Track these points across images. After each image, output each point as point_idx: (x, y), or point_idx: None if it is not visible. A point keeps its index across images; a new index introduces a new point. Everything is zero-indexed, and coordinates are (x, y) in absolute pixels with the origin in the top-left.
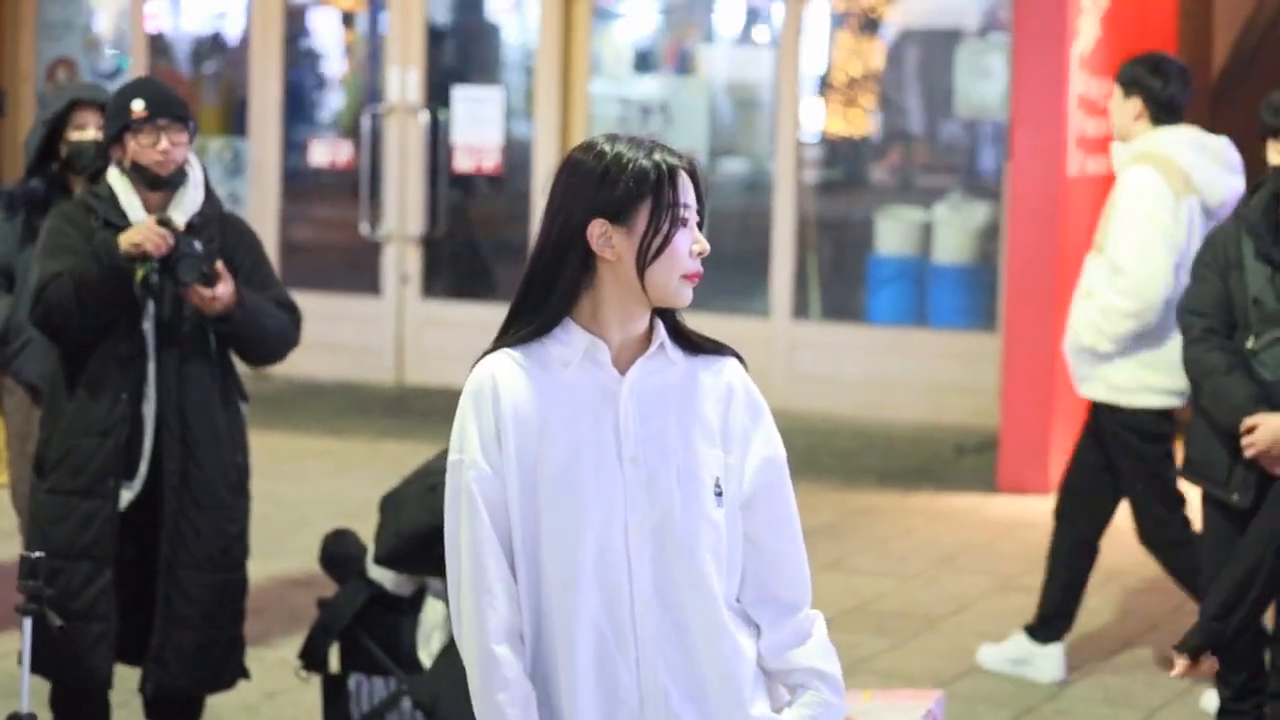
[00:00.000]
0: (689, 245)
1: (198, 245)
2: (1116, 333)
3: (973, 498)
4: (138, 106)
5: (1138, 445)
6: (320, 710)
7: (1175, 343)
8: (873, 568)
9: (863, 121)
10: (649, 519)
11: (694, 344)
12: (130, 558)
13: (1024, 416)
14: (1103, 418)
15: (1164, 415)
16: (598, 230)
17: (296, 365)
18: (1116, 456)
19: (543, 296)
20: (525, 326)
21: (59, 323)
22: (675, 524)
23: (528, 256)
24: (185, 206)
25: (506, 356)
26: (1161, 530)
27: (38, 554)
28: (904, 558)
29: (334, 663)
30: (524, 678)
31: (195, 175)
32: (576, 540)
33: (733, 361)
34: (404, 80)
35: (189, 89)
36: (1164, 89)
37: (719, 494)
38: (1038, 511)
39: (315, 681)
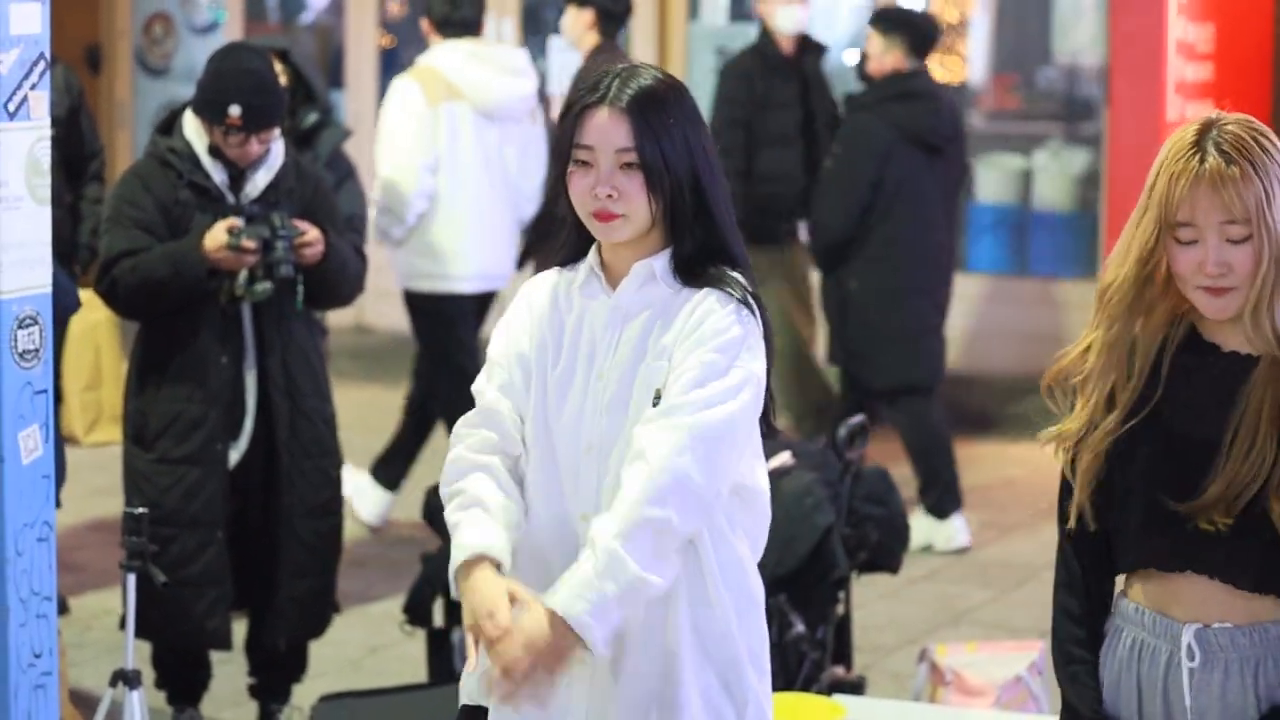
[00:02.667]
0: (587, 186)
1: (278, 224)
2: (376, 226)
3: None
4: (234, 113)
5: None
6: (424, 664)
7: (438, 232)
8: (974, 518)
9: (960, 68)
10: (599, 437)
11: (696, 276)
12: (233, 514)
13: None
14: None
15: (442, 298)
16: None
17: (394, 319)
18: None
19: (565, 227)
20: (564, 251)
21: (126, 310)
22: (622, 443)
23: None
24: (258, 181)
25: (548, 275)
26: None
27: (140, 510)
28: (1005, 508)
29: (438, 617)
30: (481, 479)
31: (274, 154)
32: (550, 447)
33: (713, 294)
34: (499, 30)
35: (282, 36)
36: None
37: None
38: None
39: (419, 635)
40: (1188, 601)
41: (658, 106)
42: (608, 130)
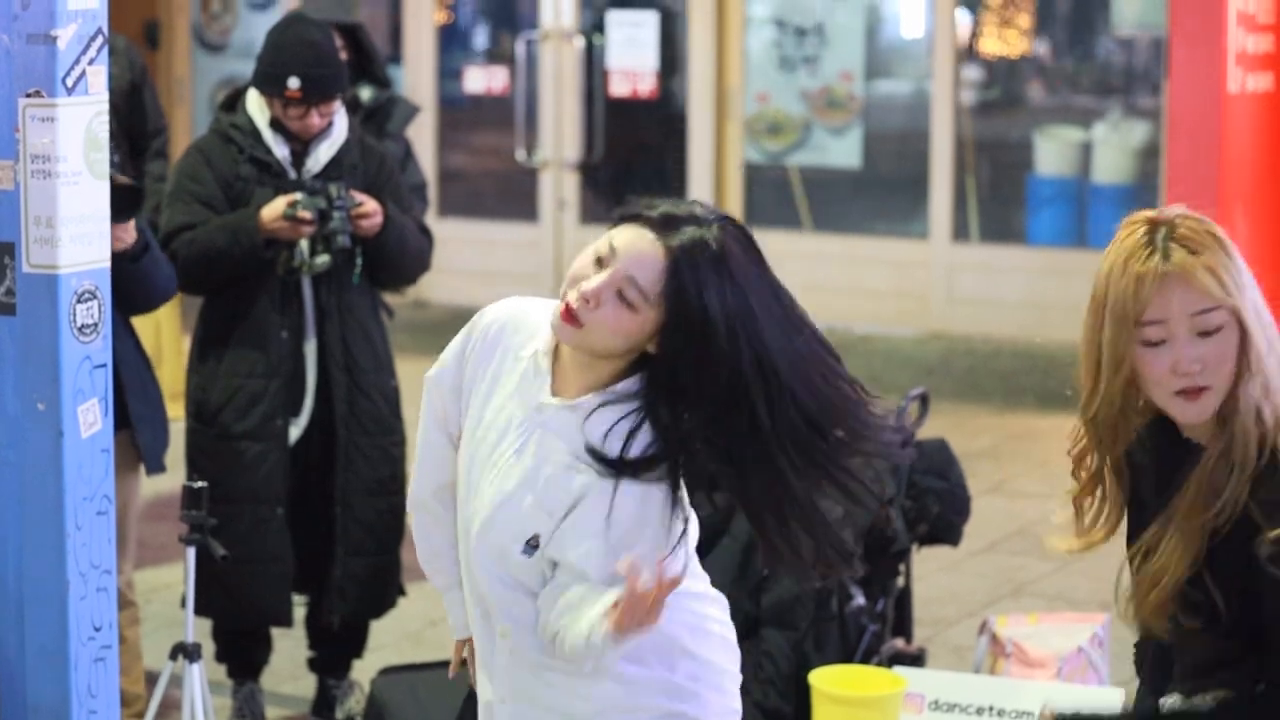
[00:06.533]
0: (580, 276)
1: (335, 195)
2: None
3: None
4: (293, 85)
5: None
6: None
7: None
8: (1035, 490)
9: (1019, 41)
10: (480, 528)
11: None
12: (293, 491)
13: None
14: None
15: None
16: None
17: (454, 292)
18: None
19: None
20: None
21: (185, 283)
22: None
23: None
24: (320, 156)
25: (526, 312)
26: None
27: (200, 484)
28: (1066, 480)
29: None
30: (429, 535)
31: (337, 128)
32: (464, 490)
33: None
34: (558, 6)
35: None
36: None
37: (534, 548)
38: None
39: None
40: None
41: (706, 260)
42: (637, 251)
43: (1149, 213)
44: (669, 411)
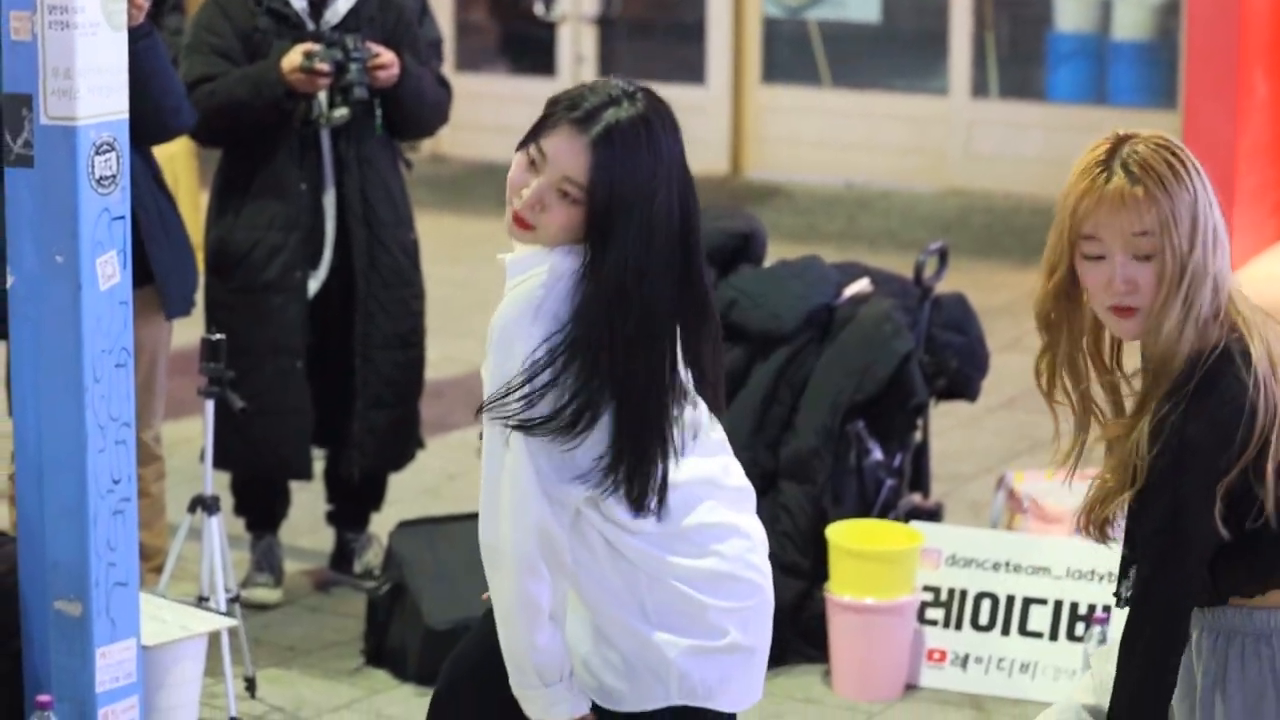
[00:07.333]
0: (519, 180)
1: (351, 47)
2: None
3: None
4: None
5: None
6: None
7: None
8: None
9: None
10: None
11: None
12: (312, 345)
13: None
14: None
15: None
16: None
17: (471, 147)
18: None
19: None
20: None
21: (205, 135)
22: None
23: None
24: (338, 8)
25: None
26: None
27: (218, 336)
28: None
29: None
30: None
31: None
32: None
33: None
34: None
35: None
36: None
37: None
38: None
39: None
40: None
41: (629, 144)
42: (564, 151)
43: (1121, 130)
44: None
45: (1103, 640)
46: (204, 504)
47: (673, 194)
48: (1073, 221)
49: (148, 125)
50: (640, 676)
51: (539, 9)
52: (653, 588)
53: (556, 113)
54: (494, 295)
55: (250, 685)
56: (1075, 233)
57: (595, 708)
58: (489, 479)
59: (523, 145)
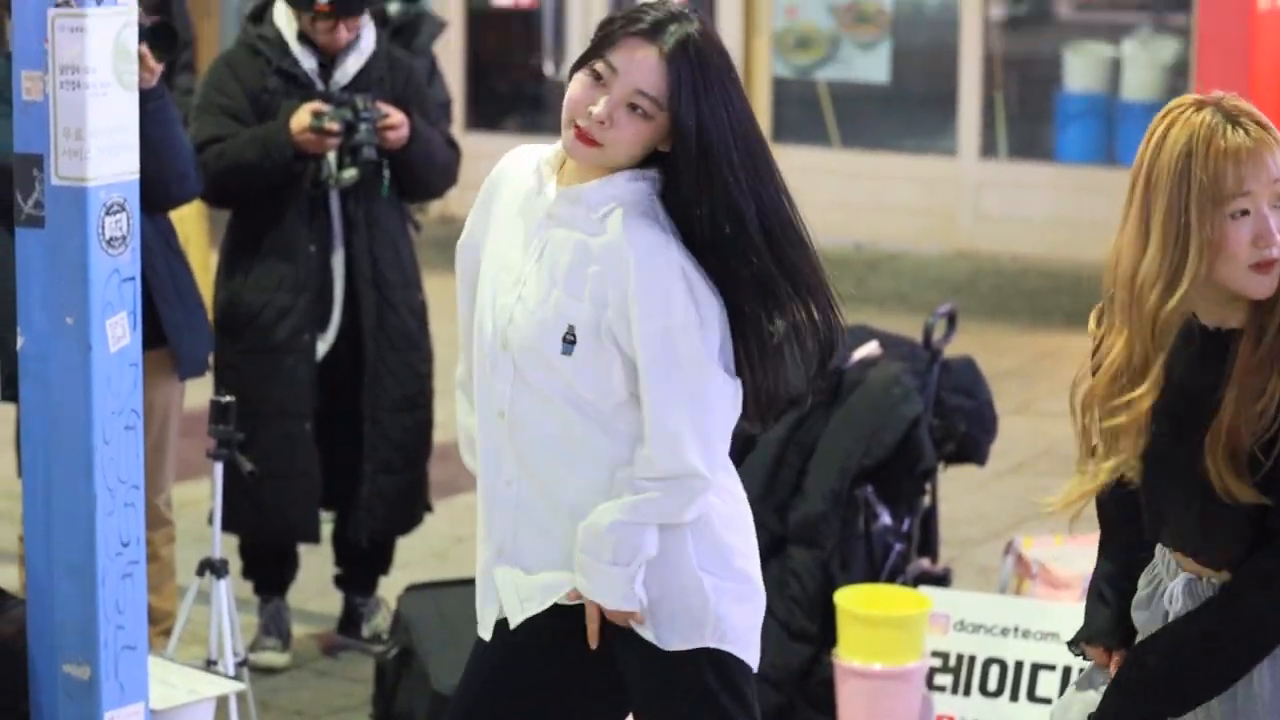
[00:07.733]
0: (585, 97)
1: (361, 107)
2: None
3: None
4: (322, 0)
5: None
6: None
7: None
8: (1062, 410)
9: None
10: (518, 340)
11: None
12: (320, 407)
13: None
14: None
15: None
16: None
17: None
18: None
19: None
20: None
21: (214, 196)
22: (528, 355)
23: None
24: (348, 68)
25: (531, 150)
26: None
27: (228, 398)
28: None
29: None
30: (469, 418)
31: (364, 41)
32: (479, 333)
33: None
34: None
35: None
36: None
37: (570, 342)
38: None
39: None
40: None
41: (702, 54)
42: (636, 64)
43: (1191, 97)
44: (675, 196)
45: None
46: (212, 567)
47: (744, 100)
48: (1232, 184)
49: (153, 191)
50: (678, 618)
51: (548, 69)
52: (697, 528)
53: (614, 30)
54: None
55: None
56: (1223, 194)
57: (629, 640)
58: (698, 407)
59: (581, 64)
